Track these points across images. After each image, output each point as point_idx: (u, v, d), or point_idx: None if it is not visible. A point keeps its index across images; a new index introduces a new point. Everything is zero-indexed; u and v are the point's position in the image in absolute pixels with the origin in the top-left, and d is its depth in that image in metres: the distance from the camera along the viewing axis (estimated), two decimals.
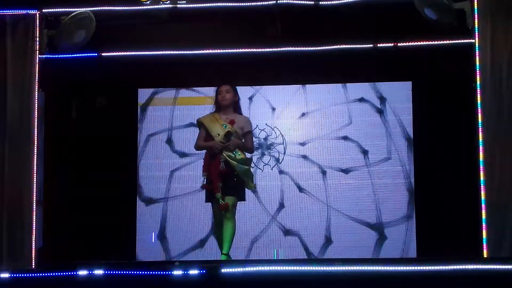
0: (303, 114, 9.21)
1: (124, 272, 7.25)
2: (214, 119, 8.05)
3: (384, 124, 9.11)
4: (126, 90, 9.32)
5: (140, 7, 8.58)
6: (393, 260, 7.37)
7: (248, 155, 8.18)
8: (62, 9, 8.52)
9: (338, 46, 8.48)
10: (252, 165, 8.91)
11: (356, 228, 8.99)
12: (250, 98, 9.24)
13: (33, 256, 8.10)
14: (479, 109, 7.93)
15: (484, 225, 7.80)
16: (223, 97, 8.09)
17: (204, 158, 8.11)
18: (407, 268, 7.11)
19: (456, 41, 8.23)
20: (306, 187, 9.11)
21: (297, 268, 7.16)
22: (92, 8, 8.48)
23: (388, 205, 8.98)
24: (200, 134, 8.23)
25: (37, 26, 8.45)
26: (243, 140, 8.09)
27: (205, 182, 8.03)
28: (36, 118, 8.32)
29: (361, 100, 9.17)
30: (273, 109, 9.28)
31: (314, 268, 7.14)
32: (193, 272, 7.18)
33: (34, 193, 8.19)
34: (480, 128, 7.91)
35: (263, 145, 9.24)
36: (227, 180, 7.90)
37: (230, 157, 7.90)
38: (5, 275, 7.46)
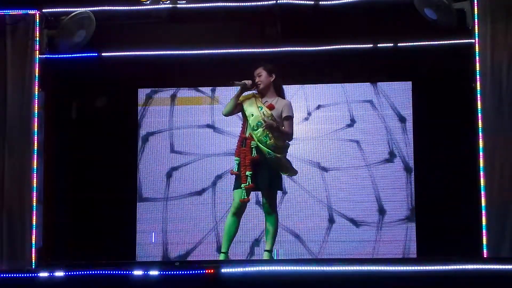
0: (303, 114, 9.21)
1: (124, 272, 7.24)
2: (254, 99, 7.72)
3: (384, 124, 9.11)
4: (126, 90, 9.32)
5: (140, 7, 8.58)
6: (393, 260, 7.36)
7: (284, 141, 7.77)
8: (62, 9, 8.51)
9: (338, 46, 8.48)
10: None
11: (356, 228, 8.99)
12: None
13: (33, 256, 8.10)
14: (479, 109, 7.93)
15: (484, 225, 7.80)
16: (257, 82, 7.74)
17: (238, 141, 7.73)
18: (407, 268, 7.11)
19: (456, 41, 8.23)
20: (306, 187, 9.11)
21: (297, 268, 7.15)
22: (92, 8, 8.48)
23: (388, 205, 8.98)
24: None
25: (37, 26, 8.45)
26: (280, 126, 7.64)
27: (235, 169, 7.63)
28: (36, 118, 8.32)
29: (361, 100, 9.17)
30: None
31: (314, 268, 7.14)
32: (193, 272, 7.19)
33: (34, 193, 8.19)
34: (480, 128, 7.91)
35: None
36: (259, 169, 7.56)
37: (261, 142, 7.56)
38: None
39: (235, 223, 7.66)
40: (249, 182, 7.53)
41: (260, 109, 7.65)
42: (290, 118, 7.74)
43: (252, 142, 7.59)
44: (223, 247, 7.65)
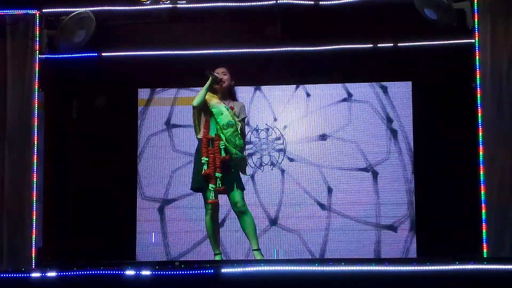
0: (303, 114, 9.21)
1: (124, 272, 7.24)
2: (216, 99, 7.57)
3: (384, 124, 9.11)
4: (126, 90, 9.32)
5: (140, 7, 8.58)
6: (393, 260, 7.36)
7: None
8: (62, 9, 8.52)
9: (338, 46, 8.49)
10: (252, 165, 8.91)
11: (356, 228, 8.99)
12: (250, 98, 9.24)
13: (33, 256, 8.10)
14: (479, 109, 7.93)
15: (484, 225, 7.80)
16: (221, 78, 7.60)
17: (202, 142, 7.54)
18: (407, 268, 7.10)
19: (456, 41, 8.23)
20: (306, 187, 9.11)
21: (297, 268, 7.15)
22: (92, 8, 8.48)
23: (388, 205, 8.99)
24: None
25: (37, 26, 8.45)
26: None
27: (206, 168, 7.43)
28: (36, 118, 8.32)
29: (361, 100, 9.17)
30: (273, 109, 9.28)
31: (314, 268, 7.14)
32: (193, 272, 7.19)
33: (34, 192, 8.19)
34: (480, 128, 7.91)
35: (263, 145, 9.24)
36: (227, 170, 7.47)
37: (229, 142, 7.44)
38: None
39: (215, 224, 7.59)
40: (219, 184, 7.42)
41: (226, 108, 7.55)
42: (244, 120, 7.68)
43: (220, 142, 7.47)
44: (215, 250, 7.59)
